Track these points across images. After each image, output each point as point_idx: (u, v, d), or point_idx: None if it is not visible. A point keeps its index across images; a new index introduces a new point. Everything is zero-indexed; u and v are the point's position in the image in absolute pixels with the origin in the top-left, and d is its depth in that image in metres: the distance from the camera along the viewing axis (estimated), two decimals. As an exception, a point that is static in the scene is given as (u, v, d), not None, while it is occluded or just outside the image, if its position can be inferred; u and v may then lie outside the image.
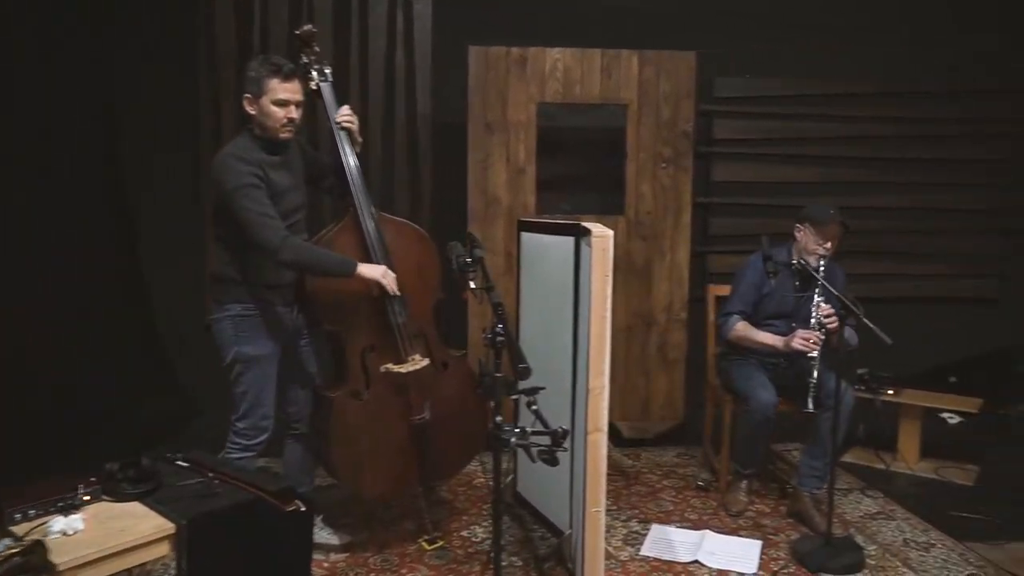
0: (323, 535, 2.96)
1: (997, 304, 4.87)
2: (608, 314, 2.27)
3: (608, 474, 3.72)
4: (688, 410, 4.31)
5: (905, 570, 2.83)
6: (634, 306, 4.22)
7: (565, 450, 2.26)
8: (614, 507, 3.36)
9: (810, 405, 3.00)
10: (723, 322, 3.39)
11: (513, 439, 2.12)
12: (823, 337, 3.03)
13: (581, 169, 4.38)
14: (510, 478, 3.37)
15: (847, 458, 3.97)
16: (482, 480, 3.65)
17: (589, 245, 2.29)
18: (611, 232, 2.25)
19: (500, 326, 2.09)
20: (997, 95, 4.81)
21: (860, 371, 4.03)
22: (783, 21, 4.67)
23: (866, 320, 2.78)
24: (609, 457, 3.97)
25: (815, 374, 2.99)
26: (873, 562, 2.88)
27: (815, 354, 3.01)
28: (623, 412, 4.28)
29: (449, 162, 4.22)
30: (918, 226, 4.83)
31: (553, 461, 2.29)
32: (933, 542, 3.05)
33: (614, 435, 4.23)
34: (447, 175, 4.25)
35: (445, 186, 4.28)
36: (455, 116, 4.14)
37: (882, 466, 3.85)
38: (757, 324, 3.32)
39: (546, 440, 2.25)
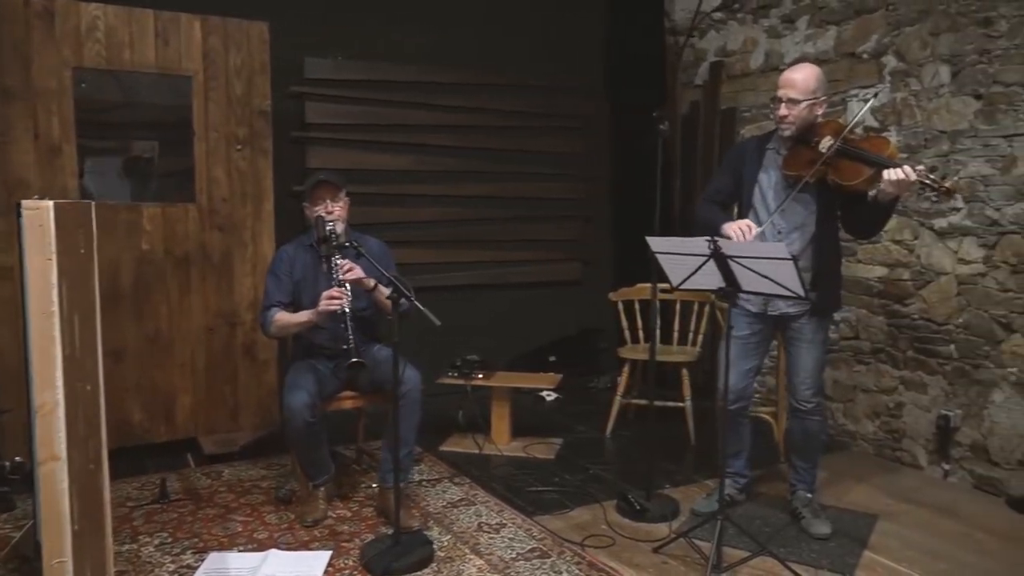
0: None
1: (580, 286, 5.27)
2: (55, 308, 1.80)
3: (176, 500, 3.25)
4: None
5: (472, 556, 2.77)
6: (214, 304, 3.75)
7: (24, 486, 1.76)
8: (169, 540, 2.86)
9: (353, 356, 2.84)
10: (263, 319, 3.12)
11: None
12: (348, 291, 2.92)
13: (140, 149, 3.77)
14: (30, 524, 2.70)
15: (445, 446, 3.93)
16: None
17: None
18: (49, 203, 1.78)
19: None
20: (576, 92, 5.20)
21: (457, 362, 4.03)
22: (378, 4, 4.55)
23: (416, 302, 2.66)
24: (185, 479, 3.50)
25: (349, 325, 2.86)
26: (442, 554, 2.77)
27: (344, 308, 2.88)
28: (208, 425, 3.80)
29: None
30: (509, 214, 5.03)
31: (7, 505, 1.78)
32: (505, 522, 3.06)
33: (195, 452, 3.74)
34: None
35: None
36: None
37: (476, 451, 3.87)
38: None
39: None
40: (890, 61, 3.87)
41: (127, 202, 3.58)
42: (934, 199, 3.62)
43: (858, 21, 4.03)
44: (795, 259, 2.34)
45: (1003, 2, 3.37)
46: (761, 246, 2.54)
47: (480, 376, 3.93)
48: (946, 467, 3.65)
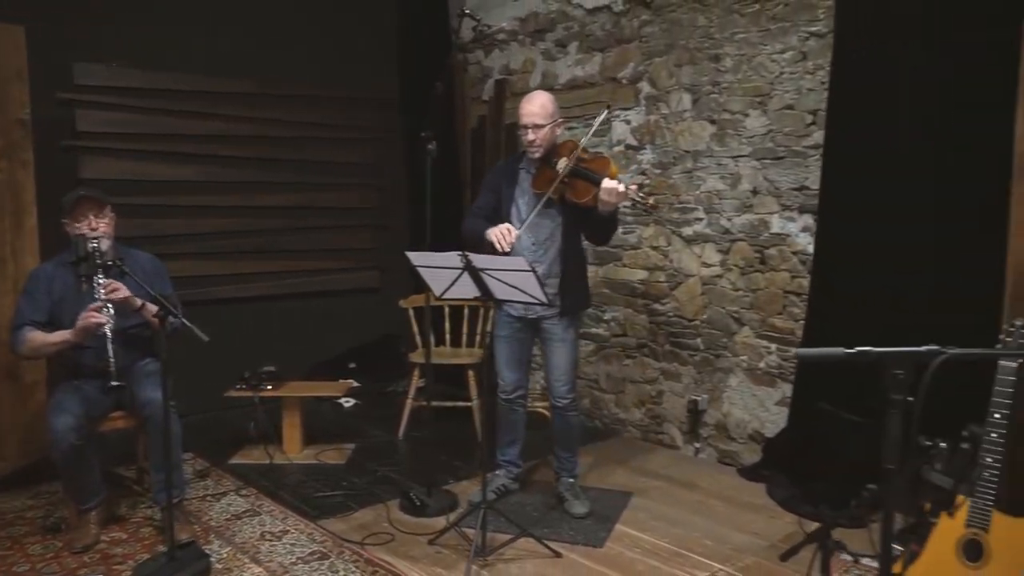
0: None
1: (379, 293, 5.40)
2: None
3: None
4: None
5: (252, 565, 2.83)
6: (-30, 327, 3.50)
7: None
8: (-89, 583, 2.69)
9: (113, 380, 2.75)
10: (13, 339, 2.98)
11: None
12: (111, 313, 2.83)
13: None
14: None
15: (234, 459, 3.93)
16: None
17: None
18: None
19: None
20: (370, 103, 5.33)
21: (246, 374, 4.04)
22: (163, 11, 4.43)
23: (183, 319, 2.68)
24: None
25: (110, 348, 2.76)
26: (220, 566, 2.81)
27: (106, 331, 2.79)
28: (-35, 456, 3.54)
29: None
30: (304, 224, 5.07)
31: None
32: (288, 529, 3.14)
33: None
34: None
35: None
36: None
37: (267, 461, 3.89)
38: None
39: None
40: (645, 87, 4.34)
41: None
42: (642, 211, 4.06)
43: (618, 50, 4.47)
44: (534, 270, 2.63)
45: (728, 42, 3.91)
46: (505, 260, 2.81)
47: (269, 387, 3.95)
48: (697, 445, 4.16)
